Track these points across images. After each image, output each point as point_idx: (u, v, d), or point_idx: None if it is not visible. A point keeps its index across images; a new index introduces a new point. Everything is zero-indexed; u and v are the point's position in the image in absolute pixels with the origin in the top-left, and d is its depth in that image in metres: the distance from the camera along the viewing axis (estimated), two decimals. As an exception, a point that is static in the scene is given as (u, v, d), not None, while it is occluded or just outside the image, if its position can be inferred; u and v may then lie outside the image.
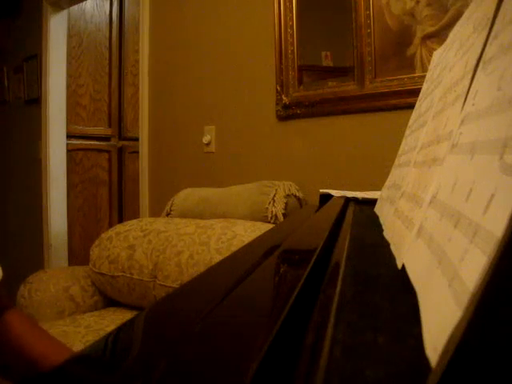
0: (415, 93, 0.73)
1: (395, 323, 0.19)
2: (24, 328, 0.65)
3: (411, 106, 0.62)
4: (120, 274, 1.52)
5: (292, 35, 1.69)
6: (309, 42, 1.70)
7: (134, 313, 0.94)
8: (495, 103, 0.18)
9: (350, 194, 0.98)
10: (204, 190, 1.78)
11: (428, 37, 1.39)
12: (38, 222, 2.77)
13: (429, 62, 1.22)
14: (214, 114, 1.97)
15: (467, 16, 0.37)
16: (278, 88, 1.73)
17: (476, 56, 0.26)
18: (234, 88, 1.90)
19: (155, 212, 2.11)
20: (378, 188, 0.76)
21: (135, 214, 2.39)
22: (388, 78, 1.47)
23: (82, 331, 1.35)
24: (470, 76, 0.27)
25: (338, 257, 0.34)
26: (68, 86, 2.85)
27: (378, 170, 0.99)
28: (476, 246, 0.15)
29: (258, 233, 1.29)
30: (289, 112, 1.71)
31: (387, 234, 0.41)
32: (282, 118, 1.75)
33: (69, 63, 2.85)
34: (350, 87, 1.56)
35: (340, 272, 0.28)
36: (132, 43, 3.17)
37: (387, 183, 0.64)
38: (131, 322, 0.21)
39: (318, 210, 0.85)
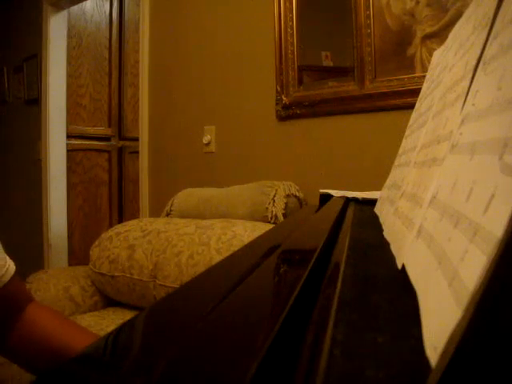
0: (415, 93, 0.73)
1: (395, 323, 0.19)
2: (49, 319, 0.64)
3: (411, 106, 0.62)
4: (120, 274, 1.51)
5: (292, 35, 1.69)
6: (309, 42, 1.70)
7: (134, 313, 0.94)
8: (495, 103, 0.18)
9: (349, 194, 0.98)
10: (204, 190, 1.78)
11: (428, 37, 1.39)
12: (38, 221, 2.77)
13: (429, 62, 1.22)
14: (214, 114, 1.97)
15: (467, 16, 0.37)
16: (278, 88, 1.73)
17: (476, 56, 0.26)
18: (234, 88, 1.90)
19: (155, 212, 2.11)
20: (378, 188, 0.76)
21: (135, 214, 2.39)
22: (388, 78, 1.47)
23: (82, 331, 1.35)
24: (470, 76, 0.27)
25: (338, 257, 0.34)
26: (68, 86, 2.85)
27: (378, 170, 0.99)
28: (476, 246, 0.15)
29: (258, 233, 1.29)
30: (289, 112, 1.71)
31: (387, 234, 0.41)
32: (282, 118, 1.75)
33: (69, 63, 2.85)
34: (350, 87, 1.56)
35: (340, 272, 0.28)
36: (132, 43, 3.17)
37: (387, 183, 0.64)
38: (131, 322, 0.21)
39: (318, 210, 0.85)
